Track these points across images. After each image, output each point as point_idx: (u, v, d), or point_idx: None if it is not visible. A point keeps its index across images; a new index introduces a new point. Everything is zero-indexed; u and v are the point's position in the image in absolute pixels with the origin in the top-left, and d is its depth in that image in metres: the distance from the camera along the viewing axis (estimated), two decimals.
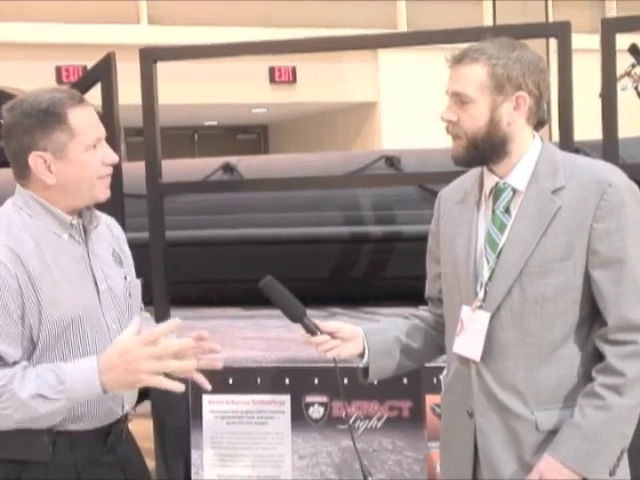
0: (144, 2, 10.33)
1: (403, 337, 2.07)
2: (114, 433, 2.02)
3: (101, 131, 1.98)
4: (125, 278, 2.08)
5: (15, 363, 1.85)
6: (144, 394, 2.85)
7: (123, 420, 2.06)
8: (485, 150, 1.87)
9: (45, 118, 1.90)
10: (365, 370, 2.06)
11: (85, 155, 1.93)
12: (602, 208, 1.81)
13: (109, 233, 2.12)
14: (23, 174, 1.95)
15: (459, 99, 1.87)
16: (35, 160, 1.91)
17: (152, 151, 3.06)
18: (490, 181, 1.92)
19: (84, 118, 1.94)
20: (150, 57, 3.03)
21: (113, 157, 1.99)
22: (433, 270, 2.08)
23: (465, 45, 1.94)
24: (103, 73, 3.07)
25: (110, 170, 1.99)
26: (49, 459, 1.92)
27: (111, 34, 9.14)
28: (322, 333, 1.99)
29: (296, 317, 2.00)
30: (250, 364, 2.92)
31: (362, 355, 2.04)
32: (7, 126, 1.93)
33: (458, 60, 1.87)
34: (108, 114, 3.03)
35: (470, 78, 1.85)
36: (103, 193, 2.00)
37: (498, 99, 1.85)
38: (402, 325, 2.10)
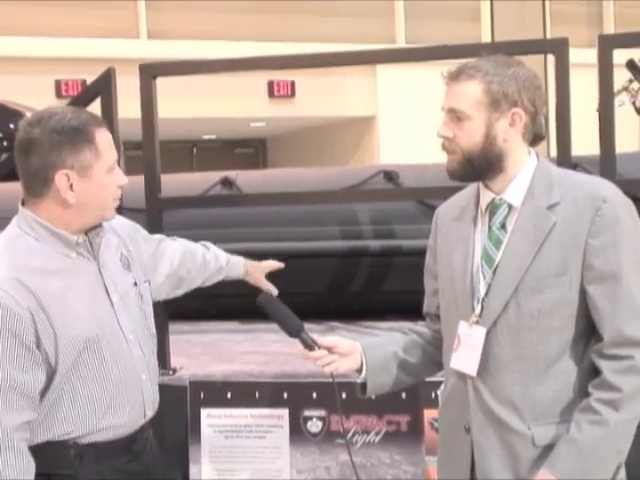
0: (144, 16, 10.38)
1: (401, 352, 2.07)
2: (139, 441, 2.05)
3: (116, 154, 2.01)
4: (135, 284, 2.10)
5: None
6: None
7: (146, 427, 2.09)
8: (480, 166, 1.88)
9: (75, 136, 1.91)
10: (363, 385, 2.06)
11: (105, 176, 1.96)
12: (597, 224, 1.81)
13: (115, 237, 2.13)
14: (41, 192, 1.94)
15: (455, 115, 1.87)
16: (61, 178, 1.91)
17: (151, 166, 3.07)
18: (486, 197, 1.93)
19: (107, 140, 1.98)
20: (150, 73, 3.04)
21: (125, 180, 2.02)
22: (431, 286, 2.09)
23: (463, 61, 1.95)
24: (103, 88, 3.09)
25: (120, 193, 2.03)
26: (76, 471, 1.94)
27: (111, 48, 9.18)
28: (320, 348, 1.99)
29: (294, 332, 2.00)
30: (248, 378, 2.93)
31: (360, 370, 2.03)
32: (30, 141, 1.92)
33: (454, 77, 1.88)
34: (108, 129, 3.04)
35: (466, 95, 1.86)
36: (112, 214, 2.03)
37: (494, 116, 1.86)
38: (400, 340, 2.10)
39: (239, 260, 2.63)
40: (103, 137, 1.96)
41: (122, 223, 2.20)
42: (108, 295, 2.01)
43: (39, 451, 1.89)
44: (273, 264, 2.67)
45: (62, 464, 1.93)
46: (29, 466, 1.86)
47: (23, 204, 1.99)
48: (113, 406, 1.97)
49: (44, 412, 1.91)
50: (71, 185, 1.92)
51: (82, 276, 1.97)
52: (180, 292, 2.50)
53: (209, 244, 2.60)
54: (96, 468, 1.96)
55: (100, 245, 2.03)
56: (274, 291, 2.53)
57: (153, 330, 2.14)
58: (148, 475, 2.06)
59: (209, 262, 2.53)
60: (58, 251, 1.95)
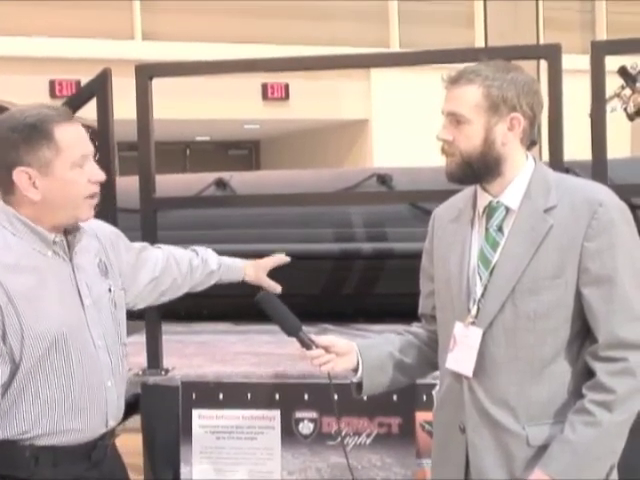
0: (138, 18, 10.38)
1: (397, 353, 2.08)
2: (98, 449, 2.01)
3: (88, 148, 1.97)
4: (109, 290, 2.08)
5: None
6: (134, 408, 2.85)
7: (108, 436, 2.05)
8: (479, 169, 1.90)
9: (31, 133, 1.89)
10: (358, 385, 2.07)
11: (70, 172, 1.92)
12: (593, 227, 1.83)
13: (96, 242, 2.11)
14: (9, 189, 1.94)
15: (454, 119, 1.89)
16: (20, 176, 1.90)
17: (146, 166, 3.07)
18: (484, 200, 1.95)
19: (71, 135, 1.93)
20: (146, 73, 3.04)
21: (99, 175, 1.97)
22: (426, 287, 2.10)
23: (457, 66, 1.97)
24: (99, 88, 3.08)
25: (96, 189, 1.98)
26: (31, 474, 1.91)
27: (105, 49, 9.17)
28: (317, 347, 2.00)
29: (292, 331, 2.01)
30: (240, 379, 2.93)
31: (356, 370, 2.05)
32: None
33: (454, 81, 1.90)
34: (103, 129, 3.04)
35: (465, 99, 1.88)
36: (86, 213, 1.98)
37: (493, 120, 1.88)
38: (396, 341, 2.11)
39: (236, 263, 2.58)
40: (66, 132, 1.92)
41: (104, 229, 2.19)
42: (80, 298, 1.99)
43: None
44: (275, 260, 2.61)
45: (16, 465, 1.90)
46: None
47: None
48: (74, 409, 1.94)
49: (4, 409, 1.89)
50: (34, 183, 1.90)
51: (55, 276, 1.96)
52: (165, 299, 2.45)
53: (200, 248, 2.55)
54: (51, 473, 1.93)
55: (77, 247, 2.01)
56: (277, 289, 2.49)
57: (124, 339, 2.12)
58: None
59: (196, 268, 2.48)
60: (34, 248, 1.94)
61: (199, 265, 2.49)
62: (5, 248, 1.91)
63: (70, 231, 2.01)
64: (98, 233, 2.14)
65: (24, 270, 1.91)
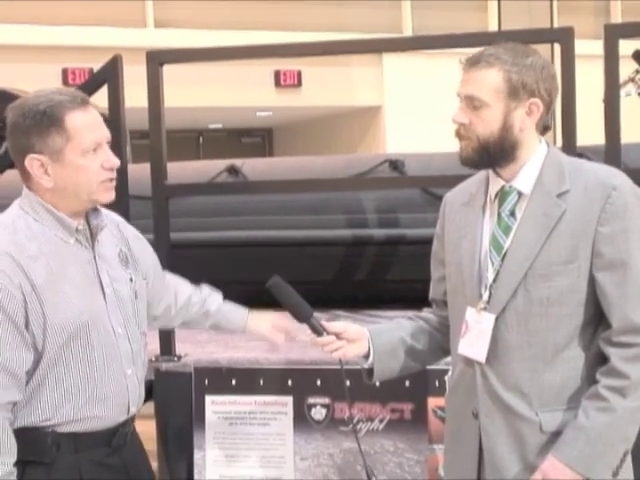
0: (150, 5, 10.37)
1: (408, 338, 2.08)
2: (119, 435, 2.03)
3: (101, 135, 1.95)
4: (130, 280, 2.08)
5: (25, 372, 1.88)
6: (147, 395, 2.87)
7: (129, 422, 2.07)
8: (495, 154, 1.88)
9: (42, 120, 1.88)
10: (370, 371, 2.07)
11: (82, 159, 1.91)
12: (607, 212, 1.82)
13: (118, 233, 2.12)
14: (24, 175, 1.94)
15: (472, 102, 1.87)
16: (32, 163, 1.90)
17: (158, 153, 3.07)
18: (496, 184, 1.93)
19: (83, 121, 1.91)
20: (157, 60, 3.04)
21: (113, 161, 1.95)
22: (438, 272, 2.10)
23: (471, 50, 1.95)
24: (110, 75, 3.08)
25: (112, 174, 1.96)
26: (52, 460, 1.93)
27: (117, 37, 9.17)
28: (328, 334, 2.01)
29: (303, 317, 2.02)
30: (253, 365, 2.94)
31: (367, 356, 2.05)
32: (8, 126, 1.92)
33: (473, 63, 1.87)
34: (115, 116, 3.04)
35: (485, 83, 1.86)
36: (105, 196, 1.97)
37: (512, 105, 1.86)
38: (407, 326, 2.11)
39: (239, 313, 2.42)
40: (77, 119, 1.90)
41: (129, 226, 2.19)
42: (101, 286, 1.99)
43: (16, 436, 1.87)
44: (283, 324, 2.35)
45: (39, 451, 1.91)
46: (12, 446, 1.85)
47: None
48: (95, 396, 1.95)
49: (26, 397, 1.90)
50: (46, 170, 1.90)
51: (77, 263, 1.96)
52: (156, 324, 2.40)
53: (206, 288, 2.43)
54: (73, 458, 1.94)
55: (99, 235, 2.01)
56: (279, 340, 2.35)
57: (144, 328, 2.12)
58: (126, 471, 2.03)
59: (194, 305, 2.38)
60: (57, 235, 1.94)
61: (196, 303, 2.38)
62: (28, 235, 1.91)
63: (93, 219, 2.00)
64: (120, 226, 2.14)
65: (47, 258, 1.91)
